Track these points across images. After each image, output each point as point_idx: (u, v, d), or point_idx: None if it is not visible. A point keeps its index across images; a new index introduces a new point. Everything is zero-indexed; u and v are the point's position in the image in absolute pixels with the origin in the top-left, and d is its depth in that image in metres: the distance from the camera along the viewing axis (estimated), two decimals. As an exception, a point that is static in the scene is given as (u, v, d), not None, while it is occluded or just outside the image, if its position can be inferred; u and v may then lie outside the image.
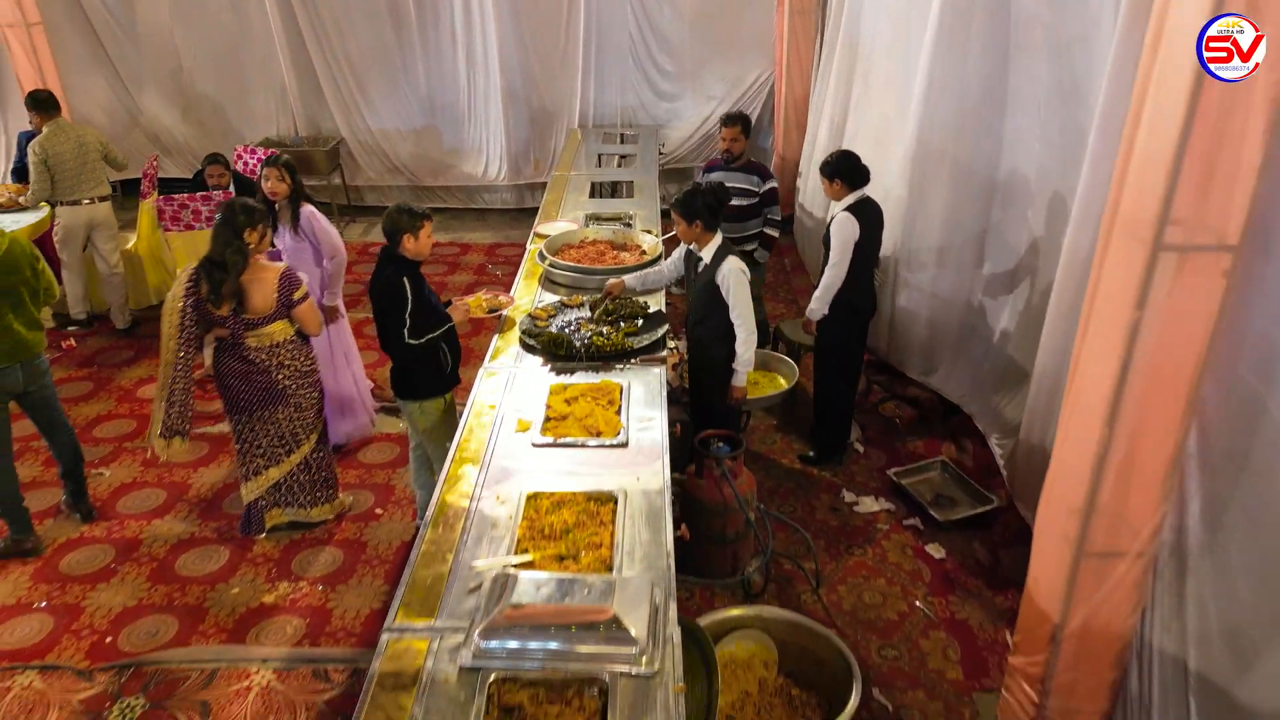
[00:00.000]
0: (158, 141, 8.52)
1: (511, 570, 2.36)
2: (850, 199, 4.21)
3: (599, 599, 2.20)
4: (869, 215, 4.22)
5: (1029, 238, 4.16)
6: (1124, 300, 2.24)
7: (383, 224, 3.60)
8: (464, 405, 3.30)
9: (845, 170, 4.20)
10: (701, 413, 4.07)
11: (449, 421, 3.84)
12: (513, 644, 2.13)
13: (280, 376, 3.75)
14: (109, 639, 3.51)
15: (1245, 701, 2.41)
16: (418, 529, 4.10)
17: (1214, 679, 2.47)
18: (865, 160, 4.31)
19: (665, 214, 4.89)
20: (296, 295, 3.70)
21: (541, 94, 8.26)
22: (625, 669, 2.08)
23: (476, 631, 2.15)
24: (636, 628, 2.14)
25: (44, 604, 3.71)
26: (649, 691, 2.05)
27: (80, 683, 3.30)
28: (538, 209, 5.70)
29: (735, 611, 3.20)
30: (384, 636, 2.22)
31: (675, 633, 2.21)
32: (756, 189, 5.12)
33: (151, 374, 5.67)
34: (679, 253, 4.05)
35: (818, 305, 4.32)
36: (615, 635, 2.12)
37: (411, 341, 3.55)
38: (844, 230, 4.17)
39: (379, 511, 4.31)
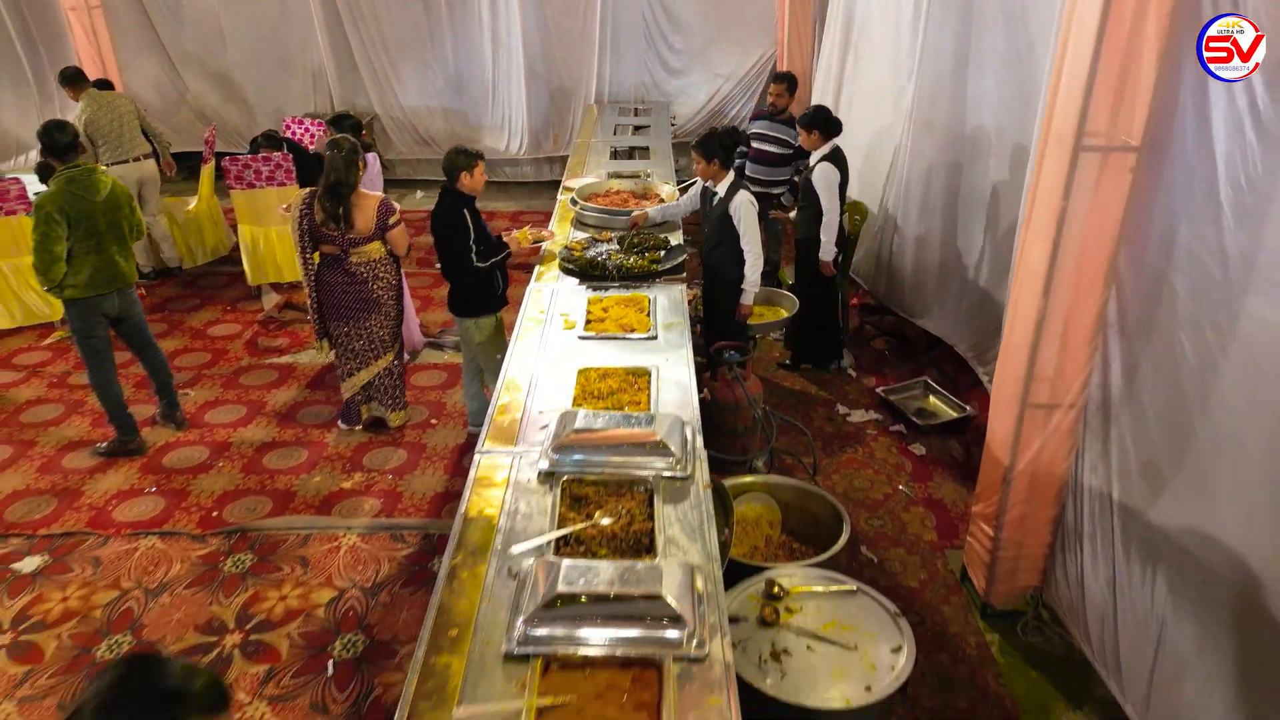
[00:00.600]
0: (203, 118, 9.10)
1: (572, 409, 2.97)
2: (826, 148, 4.83)
3: (644, 426, 2.81)
4: (842, 162, 4.85)
5: (992, 185, 4.74)
6: (1054, 194, 2.84)
7: (443, 163, 4.21)
8: (509, 328, 3.87)
9: (822, 121, 4.83)
10: (715, 334, 4.66)
11: (498, 336, 4.44)
12: (579, 456, 2.73)
13: (375, 287, 4.36)
14: (215, 513, 4.12)
15: (1157, 521, 3.00)
16: (469, 435, 4.74)
17: (1133, 506, 3.07)
18: (863, 122, 4.91)
19: (681, 184, 5.51)
20: (391, 220, 4.31)
21: (561, 73, 8.84)
22: (666, 473, 2.69)
23: (550, 448, 2.76)
24: (674, 445, 2.74)
25: (154, 489, 4.31)
26: (684, 489, 2.65)
27: (195, 544, 3.91)
28: (556, 182, 6.31)
29: (746, 479, 3.79)
30: (476, 457, 2.83)
31: (703, 453, 2.82)
32: (794, 141, 5.73)
33: (216, 319, 6.28)
34: (695, 189, 4.65)
35: (828, 246, 4.93)
36: (657, 450, 2.73)
37: (479, 265, 4.16)
38: (828, 177, 4.79)
39: (434, 422, 4.91)
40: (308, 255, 4.31)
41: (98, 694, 1.22)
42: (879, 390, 5.08)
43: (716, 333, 4.63)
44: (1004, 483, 3.28)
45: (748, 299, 4.40)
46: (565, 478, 2.68)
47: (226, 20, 8.72)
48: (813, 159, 4.94)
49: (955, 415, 4.80)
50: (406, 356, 5.48)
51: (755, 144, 5.78)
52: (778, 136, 5.71)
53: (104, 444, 4.59)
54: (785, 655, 2.75)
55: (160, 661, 1.28)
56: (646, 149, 6.87)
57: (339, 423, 4.79)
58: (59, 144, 4.11)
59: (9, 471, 4.45)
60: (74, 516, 4.10)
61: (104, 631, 3.41)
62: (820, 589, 3.00)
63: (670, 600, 2.07)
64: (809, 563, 3.30)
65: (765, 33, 8.59)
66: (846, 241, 5.30)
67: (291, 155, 6.25)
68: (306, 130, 7.47)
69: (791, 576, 3.05)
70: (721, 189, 4.34)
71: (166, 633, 3.40)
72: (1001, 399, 3.27)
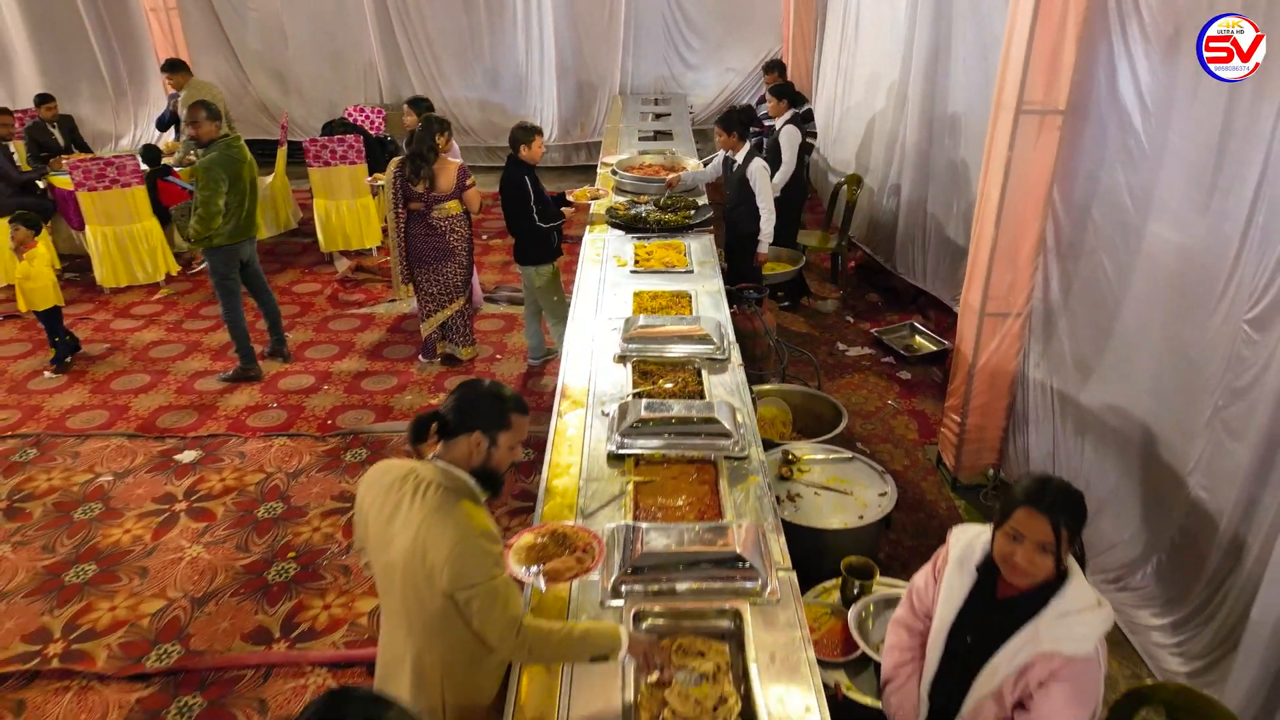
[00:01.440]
0: (264, 110, 9.95)
1: (635, 314, 3.82)
2: (788, 114, 5.70)
3: (691, 324, 3.65)
4: (803, 127, 5.79)
5: (964, 160, 5.54)
6: (1003, 147, 3.68)
7: (509, 137, 5.05)
8: (568, 284, 4.71)
9: (790, 93, 5.84)
10: (735, 278, 5.49)
11: (555, 281, 5.29)
12: (641, 345, 3.57)
13: (451, 239, 5.19)
14: (329, 421, 4.97)
15: (1086, 403, 3.84)
16: (529, 366, 5.58)
17: (1067, 392, 3.91)
18: (859, 107, 5.78)
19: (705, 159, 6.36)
20: (468, 183, 5.15)
21: (588, 67, 9.68)
22: (710, 356, 3.53)
23: (620, 339, 3.60)
24: (716, 338, 3.59)
25: (275, 405, 5.16)
26: (724, 366, 3.50)
27: (318, 443, 4.76)
28: (583, 166, 7.14)
29: (764, 387, 4.63)
30: (564, 348, 3.67)
31: (735, 345, 3.66)
32: (798, 111, 6.62)
33: (297, 279, 7.12)
34: (717, 160, 5.48)
35: (779, 183, 5.82)
36: (702, 340, 3.57)
37: (541, 225, 5.00)
38: (792, 137, 5.74)
39: (498, 357, 5.76)
40: (399, 211, 5.13)
41: (454, 398, 2.03)
42: (872, 331, 5.92)
43: (737, 276, 5.48)
44: (968, 378, 4.12)
45: (763, 248, 5.23)
46: (634, 359, 3.53)
47: (288, 20, 9.56)
48: (779, 123, 5.82)
49: (936, 349, 5.63)
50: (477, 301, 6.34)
51: (765, 121, 6.62)
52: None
53: (228, 372, 5.44)
54: (798, 498, 3.58)
55: (485, 380, 2.09)
56: (669, 133, 7.71)
57: (419, 357, 5.63)
58: (217, 116, 4.95)
59: (152, 393, 5.30)
60: (215, 424, 4.95)
61: (259, 499, 4.27)
62: (823, 456, 3.84)
63: (721, 421, 2.92)
64: (815, 440, 4.13)
65: (771, 32, 9.42)
66: (846, 209, 6.15)
67: (361, 138, 7.10)
68: (367, 117, 8.31)
69: (801, 449, 3.89)
70: (739, 157, 5.18)
71: (310, 501, 4.25)
72: (966, 311, 4.11)
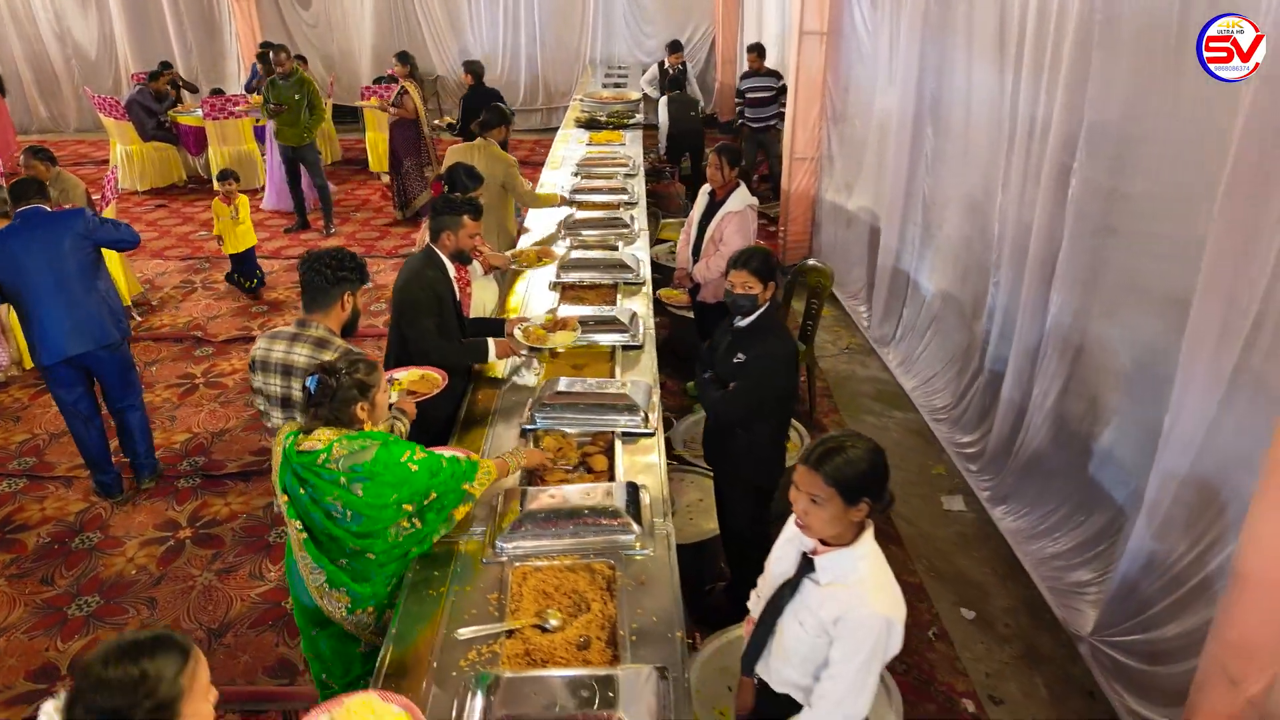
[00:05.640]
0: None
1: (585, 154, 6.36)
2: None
3: (619, 159, 6.18)
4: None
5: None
6: (794, 56, 6.22)
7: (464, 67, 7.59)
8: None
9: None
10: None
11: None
12: (589, 167, 6.10)
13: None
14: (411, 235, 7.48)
15: (850, 207, 6.39)
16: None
17: (840, 203, 6.46)
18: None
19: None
20: None
21: (564, 44, 12.21)
22: (628, 173, 6.06)
23: (576, 163, 6.13)
24: (631, 165, 6.12)
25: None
26: (634, 179, 6.03)
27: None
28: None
29: (670, 221, 7.16)
30: (543, 174, 6.19)
31: (640, 169, 6.19)
32: (774, 86, 8.94)
33: (357, 186, 9.61)
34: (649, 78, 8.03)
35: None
36: (623, 164, 6.10)
37: None
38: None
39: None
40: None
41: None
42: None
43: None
44: (787, 200, 6.67)
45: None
46: (583, 172, 6.04)
47: (332, 13, 12.07)
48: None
49: (796, 214, 8.20)
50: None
51: (748, 94, 8.96)
52: (764, 85, 8.92)
53: (330, 229, 7.96)
54: (680, 257, 6.13)
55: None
56: (625, 85, 10.26)
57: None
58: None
59: (277, 240, 7.79)
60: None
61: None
62: (700, 243, 6.38)
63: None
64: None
65: (706, 15, 12.00)
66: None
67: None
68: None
69: (687, 239, 6.42)
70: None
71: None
72: (790, 159, 6.66)
